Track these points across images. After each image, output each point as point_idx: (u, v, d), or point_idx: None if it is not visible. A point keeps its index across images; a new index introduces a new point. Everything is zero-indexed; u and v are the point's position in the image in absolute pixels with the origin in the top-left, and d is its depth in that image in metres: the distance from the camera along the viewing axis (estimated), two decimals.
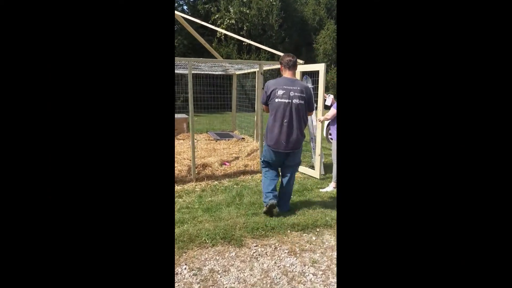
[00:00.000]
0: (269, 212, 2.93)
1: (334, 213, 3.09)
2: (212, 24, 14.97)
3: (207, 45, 6.00)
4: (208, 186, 4.04)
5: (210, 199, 3.57)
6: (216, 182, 4.16)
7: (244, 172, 4.54)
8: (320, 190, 3.92)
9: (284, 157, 2.92)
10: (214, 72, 6.65)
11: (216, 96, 7.61)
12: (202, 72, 6.76)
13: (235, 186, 4.03)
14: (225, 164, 4.92)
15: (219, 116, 11.25)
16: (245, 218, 2.91)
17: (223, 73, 6.73)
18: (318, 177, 4.38)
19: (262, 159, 3.07)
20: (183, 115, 7.69)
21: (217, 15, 15.83)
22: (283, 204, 3.10)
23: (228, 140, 6.75)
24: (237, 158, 5.30)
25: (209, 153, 5.58)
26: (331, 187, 3.95)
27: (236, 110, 7.73)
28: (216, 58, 6.63)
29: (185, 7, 18.23)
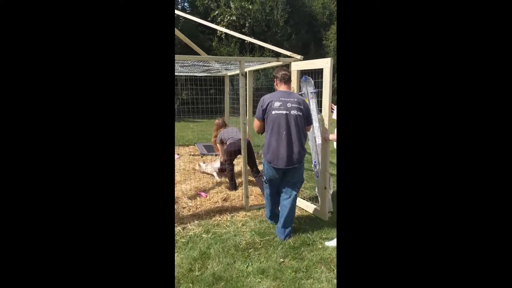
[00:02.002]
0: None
1: None
2: (211, 21, 13.85)
3: (185, 38, 4.83)
4: None
5: None
6: (179, 228, 2.95)
7: (221, 210, 3.30)
8: (326, 244, 2.66)
9: (283, 174, 2.72)
10: (196, 74, 5.45)
11: (214, 101, 6.51)
12: (198, 75, 5.62)
13: (203, 235, 2.81)
14: (200, 195, 3.71)
15: None
16: None
17: (208, 74, 5.54)
18: (326, 219, 3.13)
19: (264, 177, 2.86)
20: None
21: (216, 12, 14.66)
22: (280, 231, 2.79)
23: (216, 155, 5.55)
24: (219, 184, 4.08)
25: (186, 176, 4.38)
26: None
27: (230, 115, 6.62)
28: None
29: (185, 4, 17.19)
